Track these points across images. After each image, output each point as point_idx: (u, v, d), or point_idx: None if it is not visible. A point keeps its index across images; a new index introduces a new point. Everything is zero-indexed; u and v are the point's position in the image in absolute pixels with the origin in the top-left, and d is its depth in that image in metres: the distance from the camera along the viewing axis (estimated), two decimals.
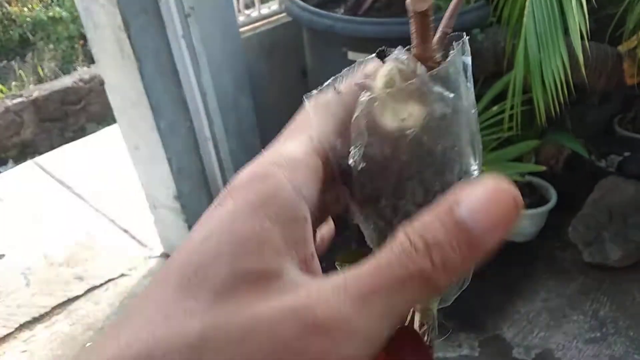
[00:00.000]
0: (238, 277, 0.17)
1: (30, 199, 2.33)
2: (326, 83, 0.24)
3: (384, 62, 0.23)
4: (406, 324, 0.25)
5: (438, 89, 0.21)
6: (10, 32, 3.47)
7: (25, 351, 1.63)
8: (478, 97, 1.46)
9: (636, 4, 1.29)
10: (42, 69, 3.35)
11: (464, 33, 0.23)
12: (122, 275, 1.88)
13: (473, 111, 0.22)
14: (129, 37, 1.37)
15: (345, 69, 0.24)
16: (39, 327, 1.69)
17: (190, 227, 1.72)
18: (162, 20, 1.42)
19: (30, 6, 3.51)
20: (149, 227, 2.01)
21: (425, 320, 0.25)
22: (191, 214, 1.70)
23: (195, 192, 1.70)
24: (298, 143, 0.21)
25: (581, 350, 1.46)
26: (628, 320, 1.52)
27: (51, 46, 3.47)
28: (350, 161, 0.22)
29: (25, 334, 1.68)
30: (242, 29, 1.69)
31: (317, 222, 0.22)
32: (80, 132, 3.00)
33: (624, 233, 1.63)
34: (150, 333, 0.17)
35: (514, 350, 1.47)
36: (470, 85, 0.22)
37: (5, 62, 3.41)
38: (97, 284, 1.85)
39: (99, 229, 2.10)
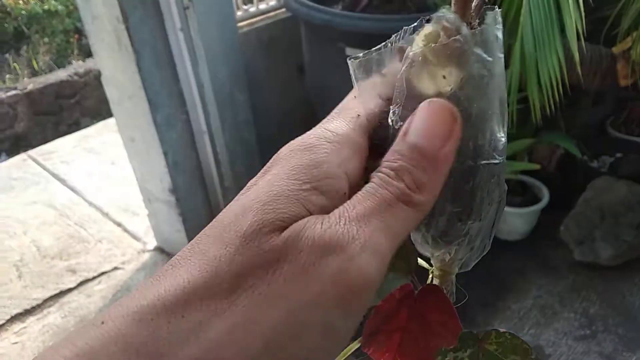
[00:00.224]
0: (263, 223, 0.20)
1: (23, 192, 2.31)
2: (376, 48, 0.24)
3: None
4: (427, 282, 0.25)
5: (478, 50, 0.21)
6: (5, 25, 3.45)
7: (16, 343, 1.62)
8: None
9: (631, 5, 1.30)
10: (37, 63, 3.33)
11: (497, 6, 0.23)
12: (115, 268, 1.88)
13: (503, 79, 0.23)
14: (127, 29, 1.37)
15: (395, 35, 0.24)
16: (31, 320, 1.69)
17: (184, 221, 1.72)
18: (161, 12, 1.42)
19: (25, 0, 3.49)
20: (143, 221, 2.01)
21: (444, 286, 0.25)
22: (186, 207, 1.70)
23: (190, 185, 1.70)
24: (346, 121, 0.23)
25: (571, 347, 1.48)
26: (618, 318, 1.54)
27: (46, 40, 3.45)
28: (390, 120, 0.23)
29: (16, 326, 1.67)
30: (240, 24, 1.69)
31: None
32: (75, 126, 2.99)
33: (615, 232, 1.65)
34: (187, 279, 0.20)
35: None
36: (501, 55, 0.23)
37: None
38: (90, 277, 1.84)
39: (92, 222, 2.10)
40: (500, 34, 0.23)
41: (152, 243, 1.96)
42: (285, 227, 0.20)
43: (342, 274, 0.19)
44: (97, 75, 3.08)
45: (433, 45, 0.22)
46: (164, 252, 1.91)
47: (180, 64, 1.50)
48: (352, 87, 0.25)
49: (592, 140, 1.90)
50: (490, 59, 0.22)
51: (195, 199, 1.74)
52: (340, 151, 0.22)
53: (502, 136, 0.23)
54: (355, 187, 0.22)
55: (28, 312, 1.70)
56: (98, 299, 1.75)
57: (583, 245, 1.69)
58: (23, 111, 2.87)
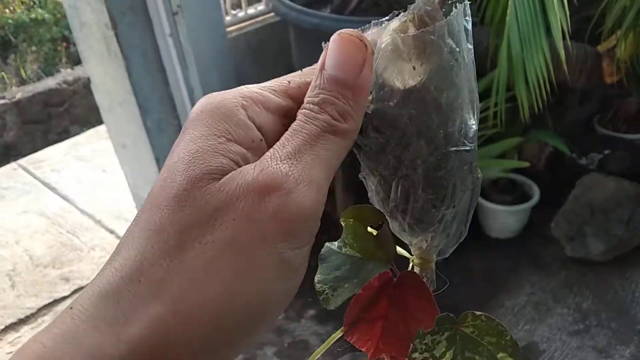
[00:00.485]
0: (193, 179, 0.21)
1: (14, 201, 2.30)
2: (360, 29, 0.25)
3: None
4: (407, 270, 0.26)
5: (449, 40, 0.22)
6: None
7: (10, 353, 1.61)
8: None
9: (614, 4, 1.33)
10: (25, 71, 3.32)
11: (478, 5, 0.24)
12: None
13: (473, 70, 0.24)
14: (116, 35, 1.37)
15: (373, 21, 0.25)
16: (25, 329, 1.68)
17: None
18: (150, 19, 1.42)
19: (12, 8, 3.48)
20: None
21: (424, 273, 0.26)
22: None
23: None
24: (270, 84, 0.25)
25: (565, 342, 1.50)
26: (610, 313, 1.55)
27: (34, 48, 3.44)
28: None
29: (10, 336, 1.66)
30: (229, 29, 1.70)
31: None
32: (64, 134, 2.98)
33: (605, 228, 1.67)
34: (136, 249, 0.21)
35: None
36: (471, 46, 0.24)
37: None
38: (84, 284, 1.84)
39: (85, 230, 2.09)
40: (469, 25, 0.24)
41: None
42: (216, 179, 0.21)
43: (282, 210, 0.20)
44: (86, 83, 3.07)
45: (403, 35, 0.23)
46: None
47: (170, 69, 1.50)
48: None
49: (579, 137, 1.92)
50: (457, 49, 0.23)
51: None
52: (250, 106, 0.23)
53: (472, 124, 0.24)
54: (273, 134, 0.24)
55: (22, 322, 1.69)
56: None
57: (574, 241, 1.71)
58: (12, 120, 2.86)
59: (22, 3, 3.52)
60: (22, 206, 2.25)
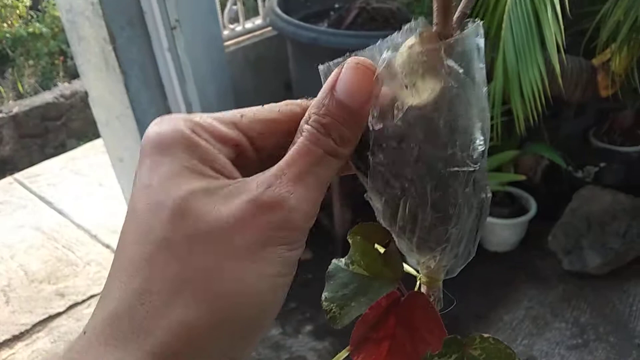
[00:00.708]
0: (188, 193, 0.22)
1: (9, 215, 2.29)
2: (343, 57, 0.25)
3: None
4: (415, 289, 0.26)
5: (451, 63, 0.22)
6: None
7: None
8: None
9: (608, 18, 1.34)
10: (22, 85, 3.32)
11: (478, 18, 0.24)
12: None
13: (484, 89, 0.24)
14: (115, 50, 1.37)
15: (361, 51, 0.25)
16: (20, 346, 1.66)
17: None
18: (148, 33, 1.43)
19: (10, 22, 3.49)
20: None
21: (432, 292, 0.26)
22: None
23: None
24: (223, 115, 0.26)
25: (564, 356, 1.49)
26: (608, 327, 1.55)
27: (31, 62, 3.44)
28: (369, 124, 0.24)
29: (5, 353, 1.64)
30: (227, 43, 1.71)
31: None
32: (61, 148, 2.97)
33: (602, 241, 1.67)
34: (140, 268, 0.22)
35: None
36: (482, 65, 0.24)
37: None
38: (79, 300, 1.82)
39: (81, 245, 2.07)
40: (481, 44, 0.24)
41: None
42: (209, 193, 0.22)
43: (284, 225, 0.22)
44: (83, 97, 3.07)
45: (409, 54, 0.23)
46: None
47: (168, 84, 1.51)
48: None
49: (575, 150, 1.93)
50: (461, 70, 0.23)
51: None
52: (200, 132, 0.24)
53: (480, 144, 0.24)
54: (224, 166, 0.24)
55: (16, 338, 1.67)
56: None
57: (571, 254, 1.71)
58: (9, 134, 2.85)
59: (20, 17, 3.54)
60: (18, 221, 2.24)
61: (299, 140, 0.24)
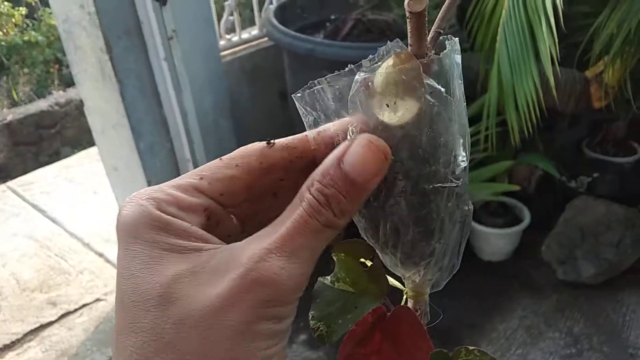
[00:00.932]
0: (173, 277, 0.22)
1: (2, 223, 2.27)
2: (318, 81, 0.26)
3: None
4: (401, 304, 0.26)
5: (430, 82, 0.23)
6: None
7: None
8: None
9: (601, 31, 1.36)
10: (17, 93, 3.31)
11: (451, 35, 0.25)
12: (97, 300, 1.85)
13: (464, 104, 0.24)
14: (111, 59, 1.38)
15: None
16: (10, 355, 1.64)
17: None
18: (145, 43, 1.43)
19: (5, 30, 3.48)
20: None
21: (418, 306, 0.26)
22: None
23: None
24: (179, 182, 0.26)
25: None
26: (602, 336, 1.55)
27: (26, 70, 3.44)
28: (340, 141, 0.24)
29: None
30: (223, 53, 1.71)
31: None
32: (55, 156, 2.96)
33: (596, 251, 1.68)
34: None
35: None
36: (460, 81, 0.24)
37: None
38: (71, 309, 1.81)
39: (74, 253, 2.06)
40: (458, 61, 0.24)
41: None
42: (195, 272, 0.22)
43: (273, 299, 0.22)
44: (78, 105, 3.07)
45: (387, 74, 0.23)
46: None
47: (164, 93, 1.51)
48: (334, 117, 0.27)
49: (569, 161, 1.94)
50: (441, 88, 0.23)
51: None
52: (165, 208, 0.24)
53: (462, 160, 0.25)
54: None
55: (7, 347, 1.66)
56: (80, 331, 1.71)
57: (565, 264, 1.72)
58: (2, 142, 2.84)
59: (16, 25, 3.54)
60: (11, 229, 2.23)
61: (298, 212, 0.23)
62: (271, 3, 1.84)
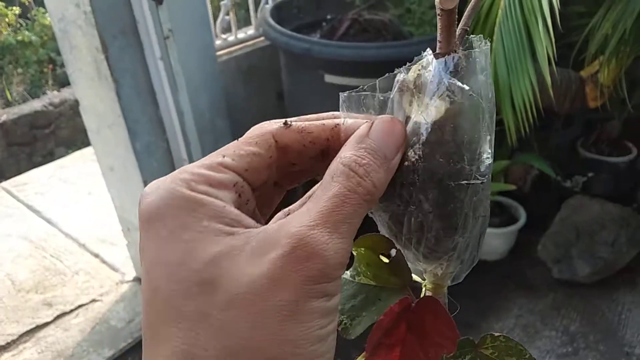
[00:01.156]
0: (217, 255, 0.22)
1: None
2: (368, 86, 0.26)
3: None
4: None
5: (456, 81, 0.23)
6: None
7: None
8: None
9: (597, 32, 1.37)
10: (10, 93, 3.29)
11: (481, 35, 0.25)
12: (93, 300, 1.84)
13: (493, 102, 0.24)
14: (107, 59, 1.37)
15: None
16: (6, 356, 1.63)
17: None
18: (141, 42, 1.43)
19: None
20: (121, 252, 1.97)
21: (437, 298, 0.26)
22: None
23: None
24: (205, 162, 0.25)
25: None
26: (598, 335, 1.56)
27: (20, 70, 3.42)
28: None
29: None
30: (219, 53, 1.71)
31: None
32: (49, 157, 2.95)
33: (591, 250, 1.69)
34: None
35: None
36: (488, 79, 0.24)
37: None
38: (67, 310, 1.80)
39: (69, 254, 2.05)
40: (483, 59, 0.25)
41: (130, 273, 1.92)
42: (235, 253, 0.22)
43: (321, 276, 0.21)
44: (72, 105, 3.05)
45: (418, 73, 0.24)
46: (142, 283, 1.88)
47: (160, 93, 1.50)
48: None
49: (564, 160, 1.96)
50: (467, 87, 0.23)
51: None
52: (196, 187, 0.23)
53: (486, 157, 0.25)
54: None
55: (3, 348, 1.65)
56: (76, 332, 1.70)
57: (561, 263, 1.73)
58: None
59: (9, 25, 3.52)
60: (5, 230, 2.21)
61: (336, 187, 0.23)
62: (267, 3, 1.84)
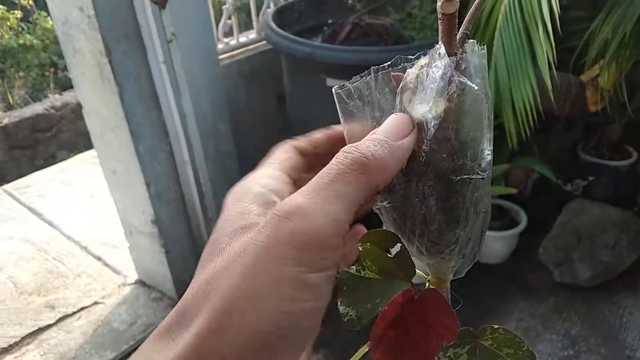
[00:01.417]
0: (234, 232, 0.26)
1: None
2: (357, 77, 0.27)
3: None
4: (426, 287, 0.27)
5: (462, 79, 0.24)
6: None
7: None
8: None
9: (596, 36, 1.37)
10: (12, 97, 3.30)
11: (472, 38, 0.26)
12: (96, 303, 1.84)
13: (485, 102, 0.25)
14: (110, 62, 1.38)
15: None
16: (8, 358, 1.63)
17: (167, 253, 1.70)
18: (144, 46, 1.44)
19: (0, 34, 3.48)
20: (123, 254, 1.98)
21: (440, 292, 0.27)
22: (168, 239, 1.69)
23: (173, 217, 1.69)
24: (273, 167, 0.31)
25: None
26: (599, 338, 1.56)
27: (21, 74, 3.43)
28: None
29: None
30: (221, 56, 1.72)
31: None
32: (51, 160, 2.96)
33: (592, 253, 1.69)
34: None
35: None
36: (484, 79, 0.25)
37: None
38: (70, 312, 1.80)
39: (71, 257, 2.06)
40: (480, 61, 0.25)
41: (132, 276, 1.93)
42: (245, 228, 0.26)
43: (297, 232, 0.23)
44: (74, 109, 3.06)
45: (420, 71, 0.25)
46: (145, 285, 1.89)
47: (163, 96, 1.51)
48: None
49: (564, 164, 1.96)
50: (475, 86, 0.24)
51: (178, 230, 1.73)
52: (266, 182, 0.29)
53: (487, 154, 0.26)
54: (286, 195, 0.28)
55: (5, 351, 1.65)
56: (78, 334, 1.71)
57: (562, 266, 1.73)
58: None
59: (11, 29, 3.53)
60: (7, 232, 2.22)
61: (332, 164, 0.25)
62: (269, 7, 1.85)
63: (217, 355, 0.22)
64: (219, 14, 1.78)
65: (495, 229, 1.77)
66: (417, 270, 0.28)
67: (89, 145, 2.78)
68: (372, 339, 0.24)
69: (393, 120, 0.26)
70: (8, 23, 3.52)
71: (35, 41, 3.50)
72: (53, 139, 3.03)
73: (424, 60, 0.25)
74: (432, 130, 0.24)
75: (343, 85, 0.27)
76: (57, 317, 1.77)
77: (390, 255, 0.27)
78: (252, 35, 1.87)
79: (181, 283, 1.76)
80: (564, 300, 1.70)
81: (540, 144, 1.79)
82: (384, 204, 0.26)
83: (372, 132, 0.26)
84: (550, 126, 1.82)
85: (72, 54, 1.47)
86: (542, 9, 1.22)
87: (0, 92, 3.30)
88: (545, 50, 1.21)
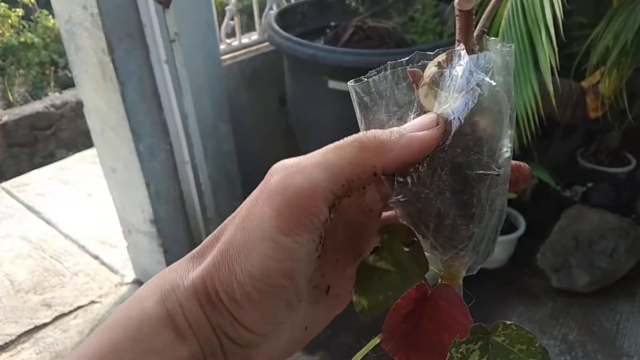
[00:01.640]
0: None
1: None
2: (373, 72, 0.27)
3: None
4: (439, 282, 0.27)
5: (486, 77, 0.24)
6: None
7: None
8: None
9: (598, 42, 1.38)
10: (12, 94, 3.30)
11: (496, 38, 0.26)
12: (92, 302, 1.84)
13: (506, 98, 0.25)
14: (113, 61, 1.38)
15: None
16: (4, 356, 1.63)
17: (165, 252, 1.70)
18: (147, 45, 1.44)
19: (1, 31, 3.47)
20: (121, 253, 1.98)
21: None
22: (167, 238, 1.69)
23: (172, 216, 1.69)
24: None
25: None
26: (596, 344, 1.57)
27: (22, 71, 3.43)
28: None
29: None
30: (223, 57, 1.72)
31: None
32: (50, 158, 2.95)
33: (590, 260, 1.70)
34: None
35: None
36: (511, 78, 0.25)
37: None
38: (66, 311, 1.80)
39: (68, 255, 2.05)
40: (504, 59, 0.25)
41: (130, 275, 1.92)
42: None
43: (277, 186, 0.24)
44: (74, 107, 3.06)
45: (437, 70, 0.25)
46: (142, 285, 1.88)
47: (164, 95, 1.51)
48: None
49: (563, 170, 1.97)
50: (494, 82, 0.24)
51: (177, 230, 1.73)
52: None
53: (505, 151, 0.26)
54: None
55: (1, 349, 1.64)
56: (74, 333, 1.70)
57: (559, 272, 1.73)
58: None
59: (12, 27, 3.53)
60: (5, 230, 2.21)
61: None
62: (272, 9, 1.86)
63: (213, 289, 0.24)
64: (221, 15, 1.79)
65: None
66: (430, 267, 0.28)
67: (88, 144, 2.78)
68: (385, 331, 0.25)
69: (419, 117, 0.26)
70: (9, 21, 3.52)
71: (36, 39, 3.50)
72: (52, 137, 3.03)
73: (441, 57, 0.25)
74: (455, 126, 0.24)
75: (359, 78, 0.27)
76: (53, 316, 1.77)
77: (406, 249, 0.27)
78: (254, 36, 1.87)
79: None
80: (562, 305, 1.70)
81: (540, 149, 1.79)
82: (399, 197, 0.26)
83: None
84: (550, 132, 1.83)
85: (74, 52, 1.47)
86: (545, 15, 1.23)
87: (0, 89, 3.29)
88: (548, 56, 1.21)
